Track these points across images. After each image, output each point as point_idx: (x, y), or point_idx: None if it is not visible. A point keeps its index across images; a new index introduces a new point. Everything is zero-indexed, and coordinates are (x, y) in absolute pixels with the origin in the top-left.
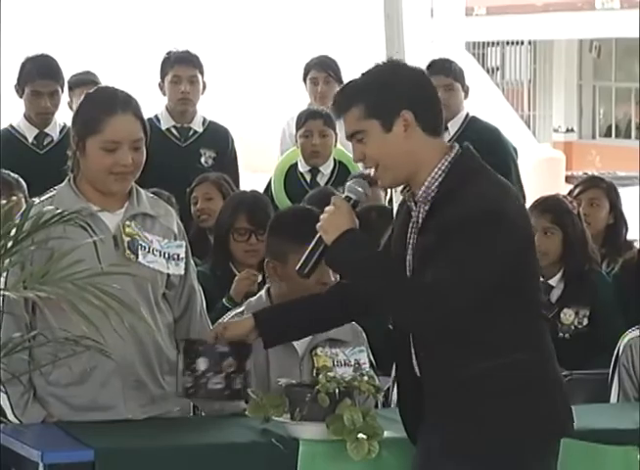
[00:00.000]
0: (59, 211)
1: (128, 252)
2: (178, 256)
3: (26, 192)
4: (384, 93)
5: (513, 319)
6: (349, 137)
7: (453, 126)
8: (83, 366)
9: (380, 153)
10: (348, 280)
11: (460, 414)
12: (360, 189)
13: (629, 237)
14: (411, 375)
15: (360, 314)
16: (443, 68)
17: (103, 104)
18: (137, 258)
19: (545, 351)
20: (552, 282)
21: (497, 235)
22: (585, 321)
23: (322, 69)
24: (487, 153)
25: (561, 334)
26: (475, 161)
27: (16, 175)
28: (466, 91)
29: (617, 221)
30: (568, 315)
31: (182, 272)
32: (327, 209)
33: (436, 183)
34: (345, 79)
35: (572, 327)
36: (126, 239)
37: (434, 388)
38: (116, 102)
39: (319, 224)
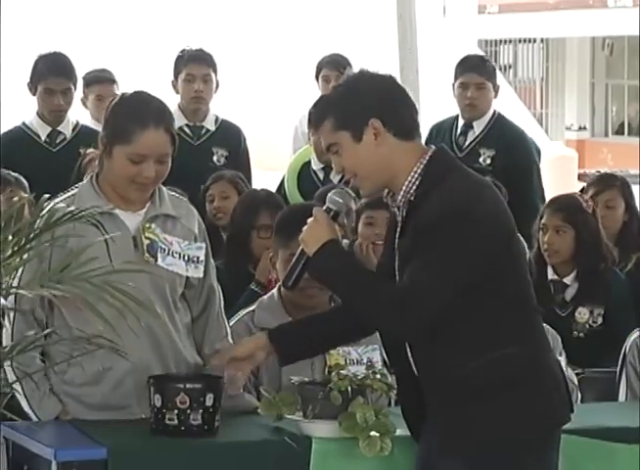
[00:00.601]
0: (70, 208)
1: (147, 255)
2: (198, 258)
3: (28, 190)
4: (350, 104)
5: (497, 315)
6: (326, 150)
7: (479, 125)
8: (97, 366)
9: (354, 163)
10: (331, 291)
11: (451, 414)
12: (340, 200)
13: None
14: (410, 375)
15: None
16: (477, 66)
17: (136, 115)
18: (156, 260)
19: (536, 343)
20: (567, 281)
21: (467, 232)
22: (600, 320)
23: (334, 67)
24: (510, 155)
25: (575, 332)
26: (448, 160)
27: (15, 174)
28: (496, 90)
29: (631, 219)
30: (582, 314)
31: (201, 275)
32: (308, 221)
33: (414, 186)
34: None
35: (587, 326)
36: (145, 242)
37: (430, 388)
38: (150, 115)
39: (300, 236)
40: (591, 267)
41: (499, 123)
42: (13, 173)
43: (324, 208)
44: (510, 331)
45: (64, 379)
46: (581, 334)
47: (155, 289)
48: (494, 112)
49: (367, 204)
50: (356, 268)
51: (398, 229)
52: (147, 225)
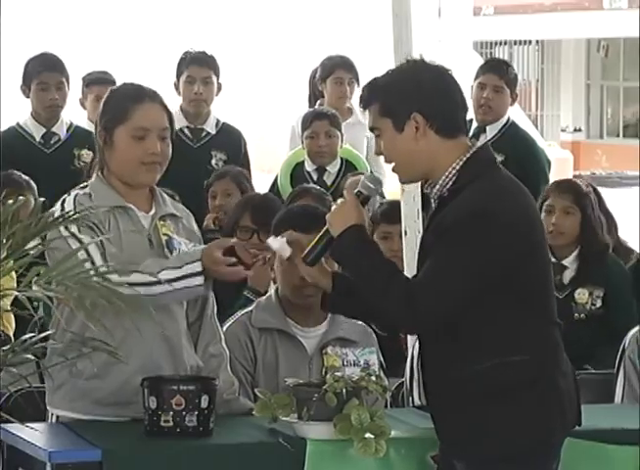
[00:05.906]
0: (89, 205)
1: (167, 250)
2: None
3: (36, 193)
4: (396, 95)
5: (508, 321)
6: (371, 130)
7: (491, 130)
8: (103, 358)
9: (392, 152)
10: (348, 274)
11: (452, 417)
12: (372, 186)
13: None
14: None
15: None
16: (499, 68)
17: (130, 94)
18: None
19: (545, 356)
20: (566, 263)
21: (485, 235)
22: (599, 303)
23: (348, 70)
24: (519, 163)
25: (576, 314)
26: (486, 160)
27: (26, 177)
28: (514, 98)
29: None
30: (582, 295)
31: None
32: (337, 201)
33: (450, 182)
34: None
35: (587, 308)
36: (164, 238)
37: (433, 388)
38: (144, 92)
39: (327, 216)
40: (593, 250)
41: (512, 131)
42: (23, 176)
43: (355, 191)
44: (520, 339)
45: (72, 371)
46: (582, 315)
47: None
48: (508, 119)
49: (384, 216)
50: (375, 257)
51: (426, 223)
52: (162, 222)
